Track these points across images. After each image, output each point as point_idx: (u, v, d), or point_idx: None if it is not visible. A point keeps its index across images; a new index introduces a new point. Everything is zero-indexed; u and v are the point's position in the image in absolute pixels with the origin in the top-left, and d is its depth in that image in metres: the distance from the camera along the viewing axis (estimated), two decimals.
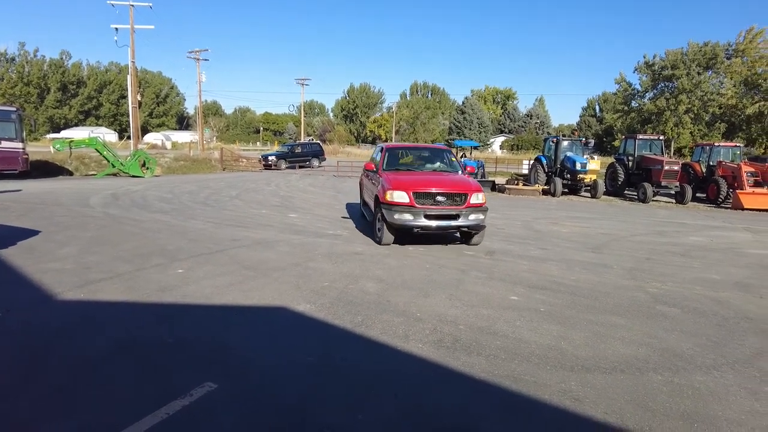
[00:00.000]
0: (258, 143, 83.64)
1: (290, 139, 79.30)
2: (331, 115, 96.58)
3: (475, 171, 21.70)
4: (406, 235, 8.40)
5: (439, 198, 7.94)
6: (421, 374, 3.71)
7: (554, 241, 9.50)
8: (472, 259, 7.63)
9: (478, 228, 8.23)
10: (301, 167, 31.75)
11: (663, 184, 18.23)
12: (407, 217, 7.79)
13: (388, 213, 7.92)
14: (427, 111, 76.58)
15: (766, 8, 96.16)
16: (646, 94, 51.15)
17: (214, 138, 71.12)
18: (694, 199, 19.08)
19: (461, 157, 23.90)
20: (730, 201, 17.60)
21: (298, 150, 33.58)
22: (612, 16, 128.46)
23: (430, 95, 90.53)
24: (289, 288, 5.68)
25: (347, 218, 11.50)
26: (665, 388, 3.58)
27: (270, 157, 31.38)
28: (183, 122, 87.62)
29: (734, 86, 45.75)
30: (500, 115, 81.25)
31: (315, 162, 33.24)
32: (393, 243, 8.50)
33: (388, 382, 3.56)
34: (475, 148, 28.71)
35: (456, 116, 71.66)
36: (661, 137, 21.49)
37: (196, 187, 17.82)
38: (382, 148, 9.92)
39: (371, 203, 9.22)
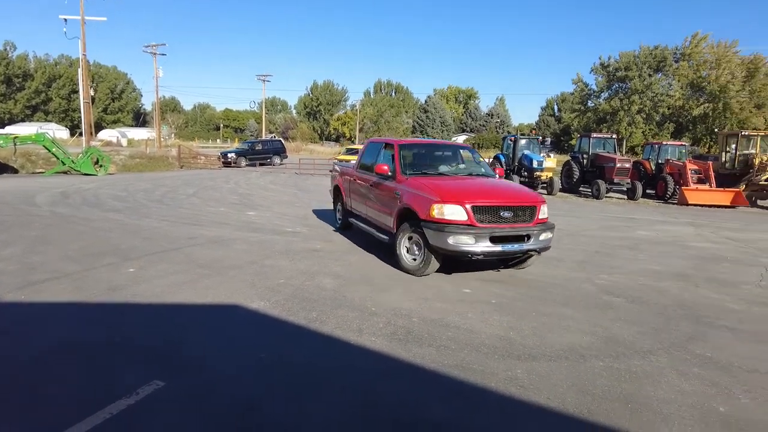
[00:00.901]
0: (218, 140, 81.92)
1: (251, 136, 78.04)
2: (294, 112, 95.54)
3: None
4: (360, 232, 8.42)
5: (505, 213, 6.03)
6: (373, 367, 3.76)
7: None
8: None
9: (545, 250, 6.51)
10: (261, 165, 31.28)
11: (615, 181, 18.96)
12: (466, 241, 5.73)
13: (436, 236, 5.81)
14: (391, 109, 76.94)
15: (711, 14, 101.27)
16: (602, 94, 53.01)
17: (173, 135, 69.19)
18: (645, 195, 19.92)
19: None
20: (677, 197, 18.49)
21: (259, 147, 33.04)
22: (570, 18, 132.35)
23: (394, 94, 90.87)
24: (243, 286, 5.63)
25: (320, 221, 11.44)
26: (605, 373, 3.76)
27: (230, 155, 30.77)
28: (140, 119, 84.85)
29: (681, 88, 48.01)
30: (462, 114, 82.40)
31: (276, 159, 32.81)
32: (350, 239, 8.54)
33: (340, 377, 3.59)
34: None
35: (419, 115, 72.31)
36: (614, 136, 22.32)
37: (152, 185, 17.32)
38: (386, 144, 7.85)
39: (383, 220, 7.13)
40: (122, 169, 24.49)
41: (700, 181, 18.75)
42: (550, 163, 20.30)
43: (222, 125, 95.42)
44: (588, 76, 54.20)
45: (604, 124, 49.08)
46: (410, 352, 3.99)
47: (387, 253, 7.63)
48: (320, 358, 3.89)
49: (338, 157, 30.13)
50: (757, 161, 19.35)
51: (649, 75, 48.87)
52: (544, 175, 19.90)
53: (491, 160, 22.44)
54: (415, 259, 6.37)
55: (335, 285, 5.78)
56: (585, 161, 20.48)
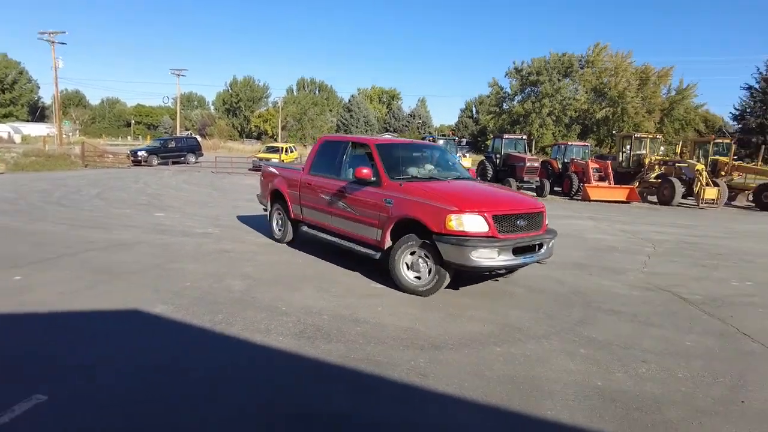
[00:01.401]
0: (129, 137, 76.76)
1: (166, 133, 73.89)
2: (212, 108, 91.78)
3: None
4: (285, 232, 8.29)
5: (521, 222, 5.52)
6: (279, 366, 3.73)
7: None
8: (346, 252, 7.78)
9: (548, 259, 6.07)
10: (175, 163, 29.74)
11: (525, 179, 20.13)
12: (490, 255, 5.13)
13: (456, 251, 5.10)
14: (315, 107, 76.20)
15: (612, 25, 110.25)
16: (516, 97, 56.03)
17: (77, 131, 63.89)
18: (552, 192, 21.33)
19: None
20: (581, 194, 19.98)
21: (172, 145, 31.34)
22: (488, 24, 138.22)
23: (317, 92, 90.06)
24: (145, 291, 5.34)
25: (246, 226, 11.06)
26: (501, 358, 3.99)
27: (140, 153, 28.93)
28: (36, 113, 77.40)
29: (586, 93, 51.92)
30: (386, 114, 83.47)
31: (191, 158, 31.36)
32: (263, 239, 8.40)
33: (241, 378, 3.52)
34: None
35: (343, 114, 72.24)
36: (524, 137, 23.67)
37: (51, 186, 15.89)
38: (354, 143, 6.95)
39: (364, 232, 6.22)
40: (14, 168, 22.25)
41: (600, 179, 20.40)
42: (467, 162, 21.16)
43: (133, 121, 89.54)
44: (503, 80, 56.98)
45: (518, 126, 51.82)
46: (318, 349, 4.00)
47: (297, 254, 7.58)
48: (223, 360, 3.79)
49: (257, 155, 29.41)
50: (647, 161, 21.39)
51: (558, 80, 52.36)
52: None
53: None
54: (419, 277, 5.58)
55: (245, 286, 5.65)
56: (498, 161, 21.55)
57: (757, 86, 46.70)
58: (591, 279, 6.79)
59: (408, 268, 5.68)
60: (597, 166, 20.78)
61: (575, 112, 51.63)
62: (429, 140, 22.08)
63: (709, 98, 76.20)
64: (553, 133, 51.72)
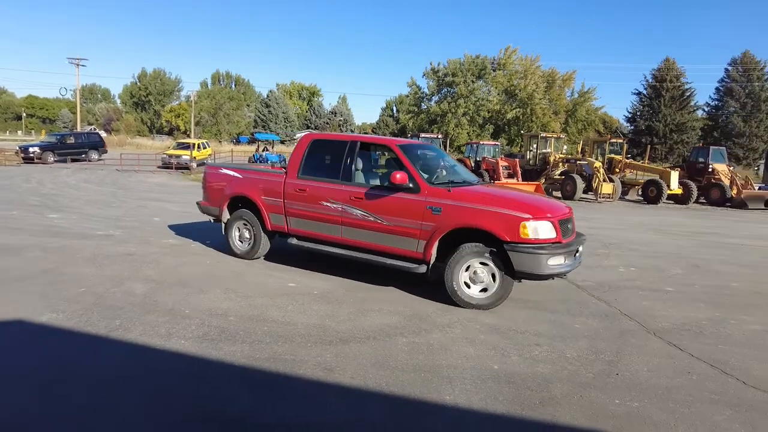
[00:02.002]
0: (20, 132, 69.57)
1: (65, 127, 67.90)
2: (119, 102, 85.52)
3: (278, 165, 21.75)
4: (190, 232, 7.93)
5: (570, 226, 5.59)
6: (179, 370, 3.59)
7: None
8: None
9: None
10: (75, 161, 27.42)
11: None
12: (561, 262, 5.07)
13: (531, 259, 4.90)
14: (231, 102, 73.45)
15: (521, 30, 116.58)
16: (433, 97, 57.59)
17: None
18: None
19: (263, 150, 23.68)
20: None
21: (71, 140, 28.82)
22: (407, 23, 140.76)
23: (234, 86, 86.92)
24: (32, 298, 4.91)
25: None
26: (406, 348, 4.13)
27: (32, 149, 26.32)
28: None
29: (498, 95, 54.53)
30: (306, 111, 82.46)
31: (93, 155, 29.07)
32: (171, 239, 8.03)
33: (137, 384, 3.36)
34: (281, 142, 28.64)
35: (261, 109, 70.31)
36: (440, 136, 24.48)
37: None
38: (365, 144, 6.33)
39: (399, 244, 5.62)
40: None
41: (509, 175, 21.56)
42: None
43: (24, 114, 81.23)
44: (421, 80, 58.36)
45: (435, 125, 53.29)
46: (221, 351, 3.90)
47: (206, 255, 7.33)
48: (118, 367, 3.59)
49: (167, 152, 27.92)
50: (552, 159, 22.94)
51: (473, 81, 54.48)
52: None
53: None
54: (485, 290, 5.25)
55: (147, 290, 5.36)
56: None
57: (645, 92, 51.64)
58: None
59: (469, 282, 5.31)
60: (506, 164, 21.98)
61: (488, 112, 54.04)
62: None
63: (607, 101, 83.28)
64: (467, 133, 53.73)
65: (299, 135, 70.43)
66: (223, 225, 7.21)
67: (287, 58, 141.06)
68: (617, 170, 22.57)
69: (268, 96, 71.82)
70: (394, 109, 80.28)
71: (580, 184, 20.35)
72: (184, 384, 3.39)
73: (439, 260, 5.47)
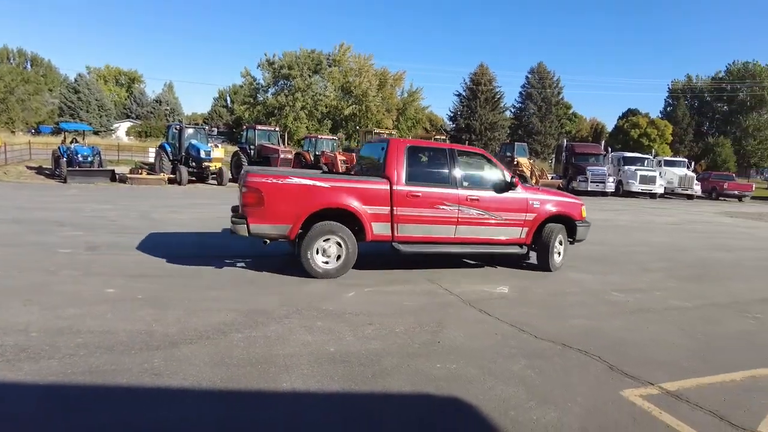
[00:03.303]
0: None
1: None
2: None
3: (91, 158, 19.16)
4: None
5: None
6: None
7: (171, 228, 9.38)
8: (66, 257, 6.70)
9: None
10: None
11: None
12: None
13: (585, 230, 7.86)
14: (27, 85, 62.21)
15: (356, 26, 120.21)
16: (270, 89, 56.29)
17: None
18: None
19: (72, 142, 20.63)
20: None
21: None
22: (240, 11, 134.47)
23: (29, 66, 73.63)
24: None
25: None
26: (242, 344, 4.06)
27: None
28: None
29: (335, 90, 55.60)
30: (126, 99, 73.82)
31: None
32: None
33: None
34: (95, 133, 25.22)
35: (68, 95, 60.81)
36: (278, 128, 24.13)
37: None
38: (463, 152, 7.34)
39: (505, 233, 7.10)
40: None
41: (347, 169, 22.25)
42: (219, 153, 20.41)
43: None
44: (256, 70, 56.54)
45: (273, 118, 52.28)
46: (21, 372, 3.36)
47: (8, 261, 6.26)
48: None
49: None
50: None
51: (309, 76, 54.62)
52: (213, 165, 19.90)
53: (156, 149, 20.98)
54: (560, 254, 7.53)
55: None
56: (252, 152, 21.47)
57: (464, 94, 57.53)
58: None
59: (558, 252, 7.55)
60: (344, 158, 22.64)
61: (326, 107, 54.84)
62: (175, 128, 20.45)
63: (433, 101, 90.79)
64: (306, 127, 53.84)
65: (119, 125, 62.92)
66: (296, 244, 6.31)
67: (99, 38, 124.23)
68: None
69: (76, 80, 62.28)
70: (228, 99, 76.50)
71: None
72: None
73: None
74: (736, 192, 31.80)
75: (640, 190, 27.20)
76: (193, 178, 19.65)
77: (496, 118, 56.08)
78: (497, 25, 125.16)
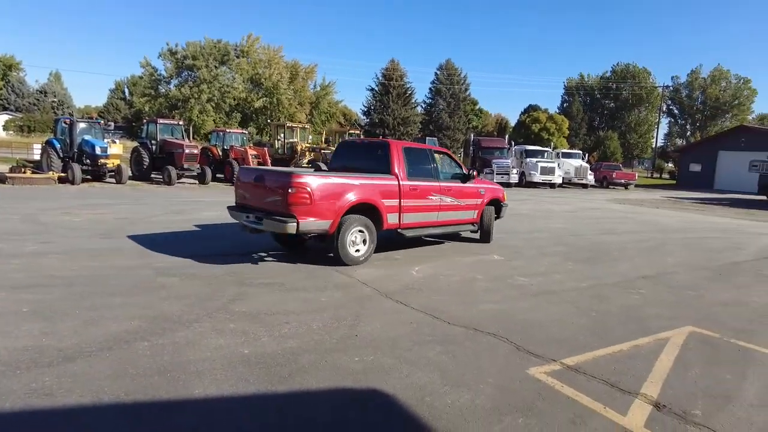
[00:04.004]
0: None
1: None
2: None
3: None
4: None
5: None
6: None
7: (62, 232, 8.53)
8: None
9: None
10: None
11: (185, 166, 19.48)
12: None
13: (506, 209, 10.03)
14: None
15: (264, 16, 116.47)
16: (172, 80, 52.99)
17: None
18: (215, 179, 21.37)
19: None
20: None
21: None
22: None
23: None
24: None
25: None
26: (149, 352, 3.81)
27: None
28: None
29: (244, 82, 53.58)
30: (1, 89, 65.84)
31: None
32: None
33: None
34: None
35: None
36: (181, 122, 22.80)
37: None
38: (437, 151, 9.32)
39: (467, 216, 8.95)
40: None
41: (259, 164, 21.58)
42: (116, 149, 18.91)
43: None
44: (157, 61, 52.91)
45: (177, 111, 49.39)
46: None
47: None
48: None
49: None
50: (299, 148, 23.86)
51: (216, 67, 52.13)
52: (111, 163, 18.38)
53: (43, 146, 18.95)
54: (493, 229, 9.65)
55: None
56: (154, 147, 20.12)
57: (377, 89, 58.05)
58: (248, 258, 7.17)
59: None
60: (255, 152, 21.94)
61: (234, 100, 52.72)
62: (65, 122, 18.60)
63: (346, 95, 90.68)
64: (214, 120, 51.45)
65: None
66: (336, 237, 6.83)
67: None
68: None
69: None
70: (126, 91, 71.04)
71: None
72: None
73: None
74: (623, 181, 35.19)
75: (541, 181, 29.23)
76: (89, 177, 18.02)
77: (408, 113, 57.26)
78: (406, 19, 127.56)
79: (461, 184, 8.66)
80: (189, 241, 8.32)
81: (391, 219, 7.42)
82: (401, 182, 7.51)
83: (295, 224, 6.35)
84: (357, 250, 7.07)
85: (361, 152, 8.69)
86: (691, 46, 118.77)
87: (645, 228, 13.40)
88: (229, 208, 7.52)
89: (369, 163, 7.79)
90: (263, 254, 7.50)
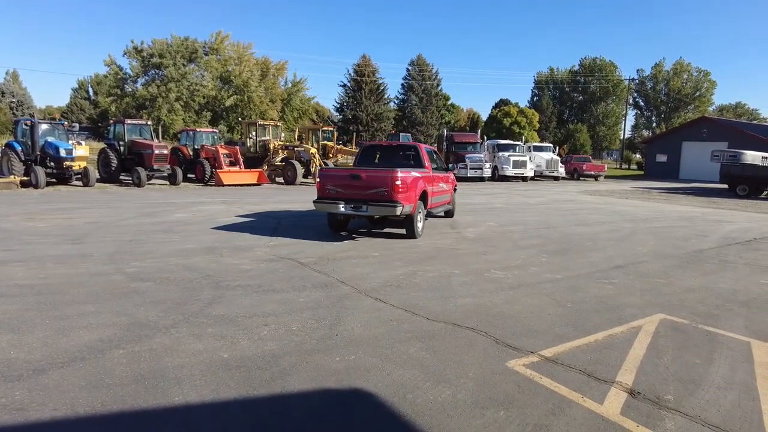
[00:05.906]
0: None
1: None
2: None
3: None
4: None
5: None
6: None
7: (26, 238, 8.24)
8: None
9: None
10: None
11: (155, 167, 19.05)
12: None
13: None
14: None
15: (233, 13, 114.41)
16: (139, 79, 51.60)
17: None
18: (186, 179, 20.97)
19: None
20: (214, 179, 20.36)
21: None
22: None
23: None
24: None
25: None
26: (125, 360, 3.72)
27: None
28: None
29: (213, 80, 52.57)
30: None
31: None
32: None
33: None
34: None
35: None
36: (150, 122, 22.26)
37: None
38: (432, 152, 11.55)
39: (447, 198, 11.66)
40: None
41: (231, 164, 21.29)
42: (83, 151, 18.36)
43: None
44: (122, 59, 51.38)
45: (145, 111, 48.19)
46: None
47: None
48: None
49: None
50: (272, 146, 23.59)
51: (184, 65, 50.98)
52: (77, 165, 17.84)
53: (2, 149, 18.24)
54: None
55: None
56: (122, 148, 19.58)
57: (349, 85, 57.78)
58: (221, 260, 7.07)
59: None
60: (227, 151, 21.61)
61: (204, 98, 51.68)
62: (26, 124, 17.92)
63: (318, 92, 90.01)
64: (183, 119, 50.34)
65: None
66: (416, 216, 9.13)
67: None
68: (330, 155, 24.82)
69: None
70: (90, 90, 68.90)
71: (300, 170, 21.62)
72: None
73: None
74: (593, 172, 35.97)
75: (513, 174, 29.67)
76: (53, 180, 17.44)
77: (381, 109, 57.19)
78: (377, 14, 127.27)
79: (446, 173, 11.37)
80: (161, 244, 8.14)
81: (429, 202, 9.84)
82: (431, 174, 10.02)
83: (401, 207, 8.32)
84: (420, 227, 9.43)
85: (391, 153, 11.04)
86: (655, 39, 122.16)
87: (615, 218, 13.75)
88: (315, 201, 8.99)
89: (401, 162, 10.09)
90: (238, 258, 7.40)
